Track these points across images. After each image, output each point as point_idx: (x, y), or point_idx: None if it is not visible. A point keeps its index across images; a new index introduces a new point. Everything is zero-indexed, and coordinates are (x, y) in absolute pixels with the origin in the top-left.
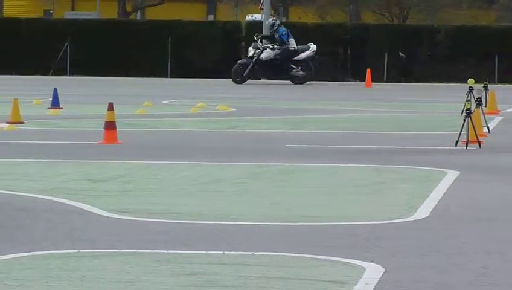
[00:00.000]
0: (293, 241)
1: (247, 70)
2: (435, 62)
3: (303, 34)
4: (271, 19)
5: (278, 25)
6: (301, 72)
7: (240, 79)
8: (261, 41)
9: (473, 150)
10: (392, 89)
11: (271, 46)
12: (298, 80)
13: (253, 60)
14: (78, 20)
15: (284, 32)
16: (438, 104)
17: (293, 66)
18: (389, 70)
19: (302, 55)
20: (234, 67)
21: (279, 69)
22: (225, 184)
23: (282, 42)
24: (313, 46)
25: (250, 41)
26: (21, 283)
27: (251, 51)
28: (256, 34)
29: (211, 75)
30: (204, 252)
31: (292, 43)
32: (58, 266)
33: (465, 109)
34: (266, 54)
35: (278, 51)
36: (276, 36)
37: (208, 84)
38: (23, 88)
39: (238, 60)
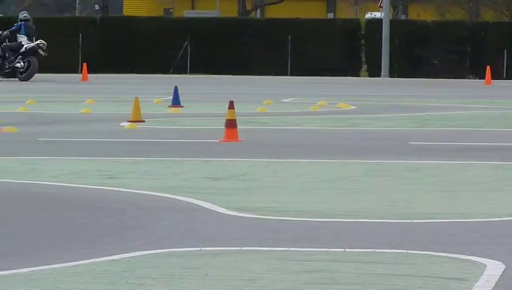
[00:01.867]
0: (413, 239)
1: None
2: None
3: (422, 32)
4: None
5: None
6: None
7: None
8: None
9: None
10: None
11: None
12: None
13: None
14: (198, 19)
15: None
16: None
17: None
18: (508, 67)
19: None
20: None
21: None
22: (345, 182)
23: None
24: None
25: (371, 40)
26: (143, 281)
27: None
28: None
29: (330, 73)
30: (325, 249)
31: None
32: (180, 264)
33: None
34: None
35: None
36: None
37: (328, 82)
38: (144, 87)
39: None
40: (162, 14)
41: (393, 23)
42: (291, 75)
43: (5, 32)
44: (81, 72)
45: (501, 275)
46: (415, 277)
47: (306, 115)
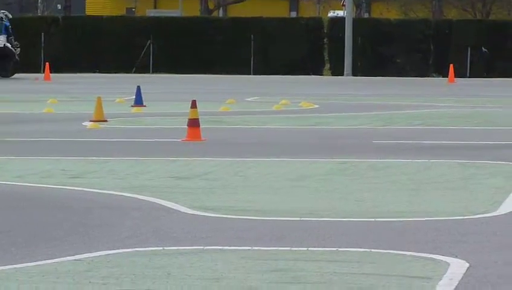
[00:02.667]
0: (377, 237)
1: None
2: None
3: (385, 30)
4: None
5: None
6: None
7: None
8: None
9: None
10: (476, 84)
11: None
12: None
13: None
14: (161, 18)
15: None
16: None
17: None
18: (472, 65)
19: None
20: None
21: None
22: (310, 181)
23: None
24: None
25: (334, 38)
26: (107, 281)
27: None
28: None
29: (293, 72)
30: (289, 248)
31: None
32: (144, 263)
33: None
34: None
35: None
36: None
37: (291, 81)
38: (106, 86)
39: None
40: (125, 13)
41: (356, 21)
42: (254, 74)
43: None
44: (43, 72)
45: (464, 274)
46: (379, 275)
47: (269, 114)
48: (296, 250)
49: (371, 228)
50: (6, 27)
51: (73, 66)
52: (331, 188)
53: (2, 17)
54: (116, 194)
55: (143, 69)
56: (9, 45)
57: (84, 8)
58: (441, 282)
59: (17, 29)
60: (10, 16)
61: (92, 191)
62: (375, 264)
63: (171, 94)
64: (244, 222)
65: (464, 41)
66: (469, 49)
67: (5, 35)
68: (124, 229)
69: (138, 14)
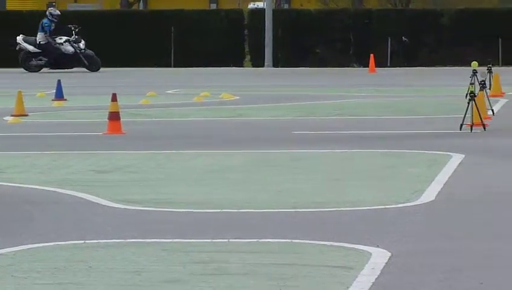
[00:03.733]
0: (299, 228)
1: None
2: (439, 46)
3: (305, 21)
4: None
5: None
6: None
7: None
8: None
9: (477, 133)
10: (396, 73)
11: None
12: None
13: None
14: (81, 12)
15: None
16: (442, 88)
17: None
18: (392, 55)
19: None
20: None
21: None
22: (231, 172)
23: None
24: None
25: (253, 29)
26: (28, 275)
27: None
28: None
29: (214, 64)
30: (211, 240)
31: None
32: (65, 257)
33: (469, 92)
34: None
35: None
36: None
37: (211, 73)
38: (27, 81)
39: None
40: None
41: (276, 12)
42: (175, 66)
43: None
44: None
45: (386, 263)
46: (301, 265)
47: (190, 106)
48: (217, 242)
49: (292, 219)
50: (44, 25)
51: None
52: (252, 180)
53: (47, 15)
54: (38, 188)
55: None
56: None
57: (5, 2)
58: (363, 271)
59: None
60: (55, 13)
61: (13, 186)
62: (297, 255)
63: (91, 88)
64: (166, 215)
65: (384, 31)
66: (389, 38)
67: (42, 33)
68: (46, 223)
69: (59, 8)
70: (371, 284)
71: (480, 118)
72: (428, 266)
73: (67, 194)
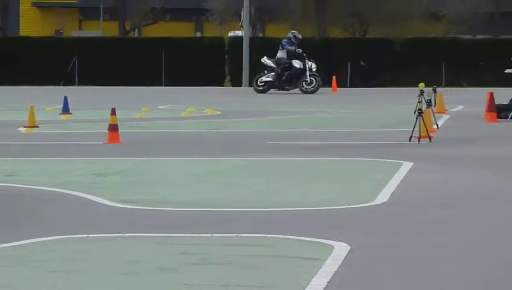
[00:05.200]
0: (272, 224)
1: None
2: (392, 69)
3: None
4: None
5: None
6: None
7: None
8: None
9: (424, 144)
10: (355, 93)
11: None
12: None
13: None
14: (84, 38)
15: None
16: (394, 105)
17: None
18: (352, 77)
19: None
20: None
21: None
22: (214, 176)
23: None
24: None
25: (232, 54)
26: (40, 264)
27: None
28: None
29: (199, 83)
30: (196, 235)
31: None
32: (72, 248)
33: (417, 109)
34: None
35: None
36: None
37: (197, 92)
38: (38, 97)
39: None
40: (53, 34)
41: (252, 40)
42: (165, 85)
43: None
44: None
45: (347, 255)
46: (274, 257)
47: (179, 119)
48: (202, 236)
49: (266, 217)
50: (282, 43)
51: (10, 79)
52: (232, 182)
53: (290, 38)
54: (47, 189)
55: (70, 82)
56: (269, 62)
57: (19, 29)
58: (326, 262)
59: None
60: (298, 36)
61: (25, 187)
62: (270, 248)
63: (94, 103)
64: (158, 213)
65: (345, 56)
66: (349, 63)
67: (281, 51)
68: (53, 220)
69: (65, 34)
70: (333, 273)
71: (427, 131)
72: (383, 257)
73: (72, 195)
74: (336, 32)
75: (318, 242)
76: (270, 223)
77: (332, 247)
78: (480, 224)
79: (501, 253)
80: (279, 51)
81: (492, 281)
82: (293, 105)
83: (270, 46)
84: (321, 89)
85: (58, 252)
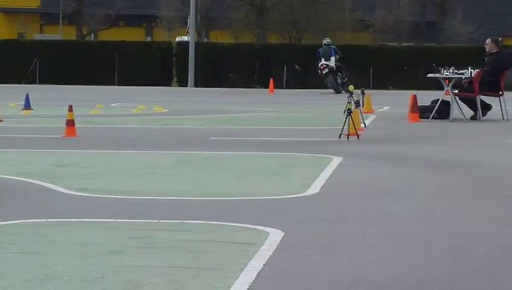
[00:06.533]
0: (213, 212)
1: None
2: None
3: (220, 52)
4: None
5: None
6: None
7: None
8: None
9: (353, 141)
10: (290, 94)
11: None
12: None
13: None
14: (45, 41)
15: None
16: (325, 105)
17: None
18: (288, 79)
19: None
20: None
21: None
22: (161, 168)
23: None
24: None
25: (180, 58)
26: (1, 246)
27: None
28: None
29: (148, 83)
30: (144, 221)
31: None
32: (31, 232)
33: (346, 109)
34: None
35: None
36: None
37: (146, 91)
38: (2, 94)
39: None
40: (17, 37)
41: (197, 44)
42: (118, 85)
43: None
44: None
45: (281, 240)
46: (215, 242)
47: (130, 116)
48: (149, 222)
49: (208, 205)
50: (334, 50)
51: None
52: (177, 174)
53: (329, 42)
54: (9, 178)
55: (31, 81)
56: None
57: None
58: (262, 247)
59: None
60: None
61: None
62: (212, 233)
63: (53, 101)
64: (110, 200)
65: (281, 61)
66: (285, 66)
67: (334, 57)
68: (16, 205)
69: (28, 37)
70: (269, 256)
71: (355, 130)
72: (314, 243)
73: (32, 183)
74: (273, 39)
75: (255, 229)
76: (210, 211)
77: (267, 233)
78: (402, 215)
79: (421, 240)
80: (333, 57)
81: (420, 267)
82: (233, 104)
83: (213, 51)
84: (260, 90)
85: (18, 235)
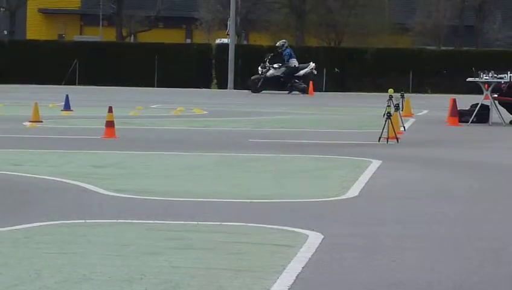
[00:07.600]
0: (251, 214)
1: (259, 84)
2: (363, 76)
3: (260, 53)
4: (281, 41)
5: (286, 46)
6: (302, 85)
7: (255, 90)
8: (268, 61)
9: (392, 144)
10: (330, 97)
11: (274, 66)
12: (299, 91)
13: (262, 76)
14: (85, 42)
15: (287, 53)
16: (365, 108)
17: (296, 80)
18: (327, 82)
19: (301, 72)
20: (249, 81)
21: (281, 83)
22: (200, 170)
23: (283, 61)
24: (312, 64)
25: (219, 59)
26: (39, 246)
27: (259, 70)
28: (268, 54)
29: (188, 85)
30: (183, 222)
31: (293, 62)
32: (69, 232)
33: (386, 112)
34: (270, 72)
35: (283, 69)
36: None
37: (186, 93)
38: (42, 95)
39: (251, 76)
40: (57, 38)
41: (237, 47)
42: (157, 86)
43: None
44: None
45: (320, 243)
46: (253, 244)
47: (169, 117)
48: (187, 223)
49: (246, 207)
50: (288, 53)
51: (17, 78)
52: (216, 176)
53: (282, 45)
54: (48, 179)
55: (71, 82)
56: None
57: (25, 33)
58: (301, 249)
59: None
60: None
61: (28, 176)
62: (250, 235)
63: (93, 101)
64: (149, 201)
65: (321, 64)
66: (324, 69)
67: (294, 59)
68: (54, 206)
69: (67, 39)
70: (308, 259)
71: (395, 133)
72: (351, 245)
73: (71, 184)
74: (312, 41)
75: (294, 231)
76: (249, 213)
77: (306, 236)
78: (441, 218)
79: (459, 243)
80: (293, 59)
81: (458, 270)
82: (272, 106)
83: (253, 53)
84: (300, 93)
85: (56, 236)
